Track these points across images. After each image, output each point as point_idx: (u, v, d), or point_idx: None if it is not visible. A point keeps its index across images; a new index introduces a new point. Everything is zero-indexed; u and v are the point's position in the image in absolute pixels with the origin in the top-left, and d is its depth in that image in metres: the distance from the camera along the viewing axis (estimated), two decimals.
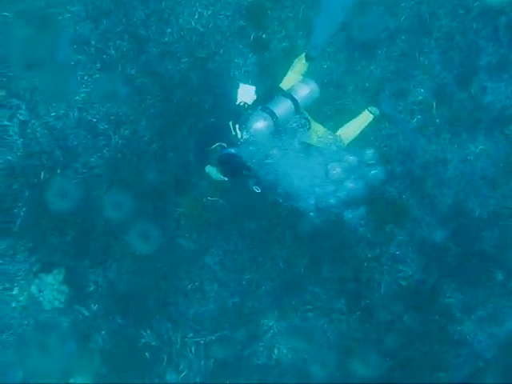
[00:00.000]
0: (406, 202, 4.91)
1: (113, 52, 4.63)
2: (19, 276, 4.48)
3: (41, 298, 4.46)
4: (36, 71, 4.51)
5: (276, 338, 4.83)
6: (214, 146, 3.89)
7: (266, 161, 3.68)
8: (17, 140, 4.48)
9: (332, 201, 3.66)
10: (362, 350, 4.84)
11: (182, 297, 4.74)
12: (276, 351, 4.82)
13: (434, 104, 4.89)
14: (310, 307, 4.83)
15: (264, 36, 4.78)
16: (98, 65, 4.61)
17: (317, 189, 3.65)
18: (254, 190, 3.83)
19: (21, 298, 4.50)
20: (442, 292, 4.97)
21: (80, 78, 4.59)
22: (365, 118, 4.30)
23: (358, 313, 4.86)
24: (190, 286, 4.75)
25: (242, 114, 3.85)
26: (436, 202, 4.94)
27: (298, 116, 3.89)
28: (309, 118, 4.02)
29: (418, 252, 4.93)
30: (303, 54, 4.18)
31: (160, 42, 4.68)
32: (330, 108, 4.82)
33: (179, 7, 4.69)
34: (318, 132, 4.02)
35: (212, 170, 4.04)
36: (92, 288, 4.63)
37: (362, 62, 4.88)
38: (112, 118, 4.63)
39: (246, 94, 3.96)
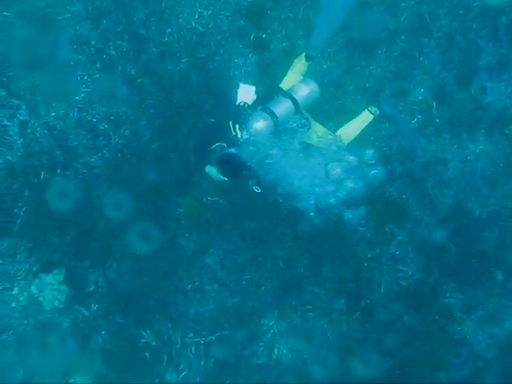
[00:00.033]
0: (406, 202, 4.91)
1: (113, 52, 4.62)
2: (19, 276, 4.48)
3: (41, 298, 4.46)
4: (36, 71, 4.50)
5: (276, 338, 4.83)
6: (213, 146, 3.88)
7: (266, 161, 3.68)
8: (17, 140, 4.47)
9: (332, 201, 3.65)
10: (362, 350, 4.84)
11: (182, 297, 4.74)
12: (276, 351, 4.83)
13: (434, 104, 4.90)
14: (310, 307, 4.84)
15: (264, 36, 4.78)
16: (98, 65, 4.61)
17: (317, 189, 3.64)
18: (254, 190, 3.83)
19: (21, 298, 4.50)
20: (442, 292, 4.97)
21: (80, 77, 4.58)
22: (365, 118, 4.30)
23: (358, 313, 4.86)
24: (190, 286, 4.75)
25: (242, 114, 3.85)
26: (436, 202, 4.95)
27: (297, 116, 3.88)
28: (309, 117, 4.02)
29: (417, 252, 4.93)
30: (303, 54, 4.18)
31: (160, 42, 4.68)
32: (330, 108, 4.82)
33: (179, 7, 4.68)
34: (318, 132, 4.02)
35: (212, 170, 4.04)
36: (92, 288, 4.63)
37: (362, 61, 4.89)
38: (112, 118, 4.63)
39: (246, 93, 3.96)
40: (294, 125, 3.85)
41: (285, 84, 4.12)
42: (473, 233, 4.97)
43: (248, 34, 4.77)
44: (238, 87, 4.00)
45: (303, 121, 3.90)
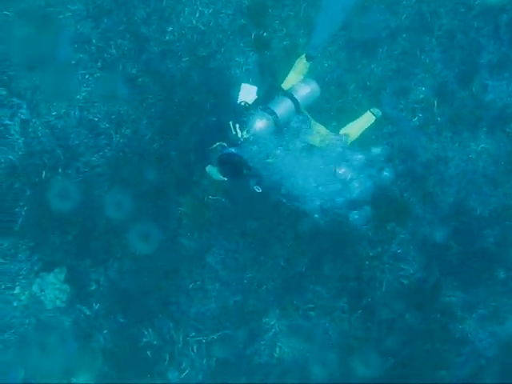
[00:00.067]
0: (407, 201, 4.91)
1: (114, 51, 4.62)
2: (21, 275, 4.47)
3: (42, 297, 4.45)
4: (37, 71, 4.50)
5: (278, 337, 4.83)
6: (214, 146, 3.88)
7: (268, 160, 3.68)
8: (18, 139, 4.47)
9: (338, 201, 3.64)
10: (363, 349, 4.84)
11: (184, 296, 4.74)
12: (278, 350, 4.82)
13: (436, 102, 4.90)
14: (312, 306, 4.83)
15: (265, 34, 4.79)
16: (99, 64, 4.60)
17: (322, 189, 3.63)
18: (254, 190, 3.83)
19: (22, 297, 4.49)
20: (443, 290, 4.97)
21: (81, 76, 4.58)
22: (367, 119, 4.30)
23: (360, 311, 4.86)
24: (191, 285, 4.74)
25: (243, 114, 3.85)
26: (437, 200, 4.94)
27: (298, 116, 3.88)
28: (309, 117, 4.02)
29: (419, 250, 4.93)
30: (303, 55, 4.18)
31: (161, 41, 4.68)
32: (332, 107, 4.82)
33: (180, 6, 4.68)
34: (319, 132, 4.01)
35: (212, 170, 4.04)
36: (93, 287, 4.62)
37: (363, 60, 4.89)
38: (113, 117, 4.62)
39: (248, 93, 3.95)
40: (296, 125, 3.85)
41: (285, 84, 4.12)
42: (474, 231, 4.97)
43: (249, 33, 4.77)
44: (239, 87, 3.99)
45: (304, 120, 3.90)
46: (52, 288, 4.45)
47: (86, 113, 4.58)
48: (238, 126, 3.77)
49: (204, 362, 4.71)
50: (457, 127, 4.93)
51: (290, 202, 3.78)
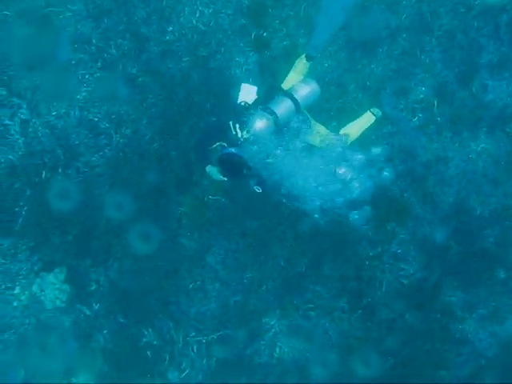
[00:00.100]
0: (407, 201, 4.91)
1: (114, 51, 4.62)
2: (21, 275, 4.47)
3: (42, 297, 4.45)
4: (37, 71, 4.50)
5: (278, 337, 4.82)
6: (214, 146, 3.88)
7: (268, 160, 3.67)
8: (18, 139, 4.46)
9: (337, 202, 3.64)
10: (363, 349, 4.84)
11: (184, 296, 4.74)
12: (278, 350, 4.82)
13: (436, 102, 4.90)
14: (312, 306, 4.83)
15: (265, 34, 4.78)
16: (99, 64, 4.60)
17: (322, 189, 3.63)
18: (255, 190, 3.83)
19: (22, 297, 4.49)
20: (443, 290, 4.97)
21: (81, 76, 4.57)
22: (367, 120, 4.30)
23: (360, 311, 4.86)
24: (191, 285, 4.74)
25: (243, 114, 3.85)
26: (437, 200, 4.94)
27: (298, 116, 3.88)
28: (309, 117, 4.02)
29: (419, 250, 4.93)
30: (303, 55, 4.18)
31: (161, 41, 4.68)
32: (331, 107, 4.82)
33: (180, 5, 4.68)
34: (319, 132, 4.01)
35: (212, 170, 4.04)
36: (93, 287, 4.62)
37: (363, 60, 4.89)
38: (113, 116, 4.62)
39: (248, 93, 3.95)
40: (296, 125, 3.85)
41: (285, 84, 4.12)
42: (474, 231, 4.97)
43: (249, 33, 4.77)
44: (239, 87, 3.99)
45: (304, 120, 3.90)
46: (52, 288, 4.45)
47: (86, 113, 4.58)
48: (237, 125, 3.77)
49: (204, 362, 4.71)
50: (457, 127, 4.93)
51: (290, 201, 3.78)
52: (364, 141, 4.26)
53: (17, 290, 4.49)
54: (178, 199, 4.74)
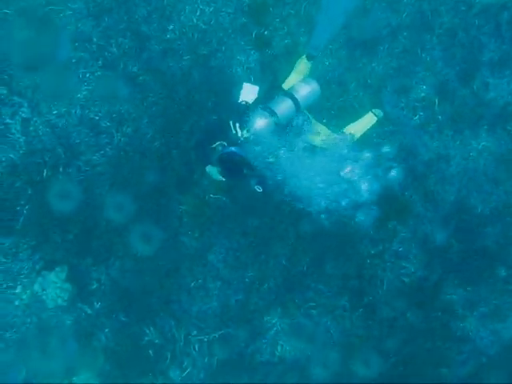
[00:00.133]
0: (408, 199, 4.91)
1: (114, 49, 4.61)
2: (22, 274, 4.47)
3: (44, 296, 4.45)
4: (37, 71, 4.49)
5: (279, 336, 4.83)
6: (214, 145, 3.87)
7: (269, 160, 3.67)
8: (19, 138, 4.46)
9: (343, 203, 3.62)
10: (364, 347, 4.84)
11: (186, 294, 4.74)
12: (279, 348, 4.82)
13: (437, 101, 4.90)
14: (313, 304, 4.84)
15: (266, 33, 4.78)
16: (100, 62, 4.59)
17: (328, 190, 3.61)
18: (255, 190, 3.82)
19: (24, 297, 4.48)
20: (444, 288, 4.98)
21: (82, 75, 4.56)
22: (368, 120, 4.30)
23: (361, 310, 4.87)
24: (193, 284, 4.74)
25: (243, 113, 3.84)
26: (438, 198, 4.95)
27: (299, 116, 3.88)
28: (310, 117, 4.01)
29: (420, 249, 4.93)
30: (304, 55, 4.17)
31: (162, 40, 4.67)
32: (332, 105, 4.81)
33: (181, 4, 4.67)
34: (320, 132, 4.01)
35: (212, 170, 4.04)
36: (95, 286, 4.62)
37: (363, 58, 4.89)
38: (114, 115, 4.61)
39: (249, 93, 3.94)
40: (297, 124, 3.84)
41: (286, 83, 4.12)
42: (475, 229, 4.98)
43: (250, 31, 4.76)
44: (241, 86, 3.98)
45: (304, 120, 3.89)
46: (53, 287, 4.44)
47: (87, 111, 4.57)
48: (238, 125, 3.77)
49: (206, 360, 4.71)
50: (458, 125, 4.93)
51: (294, 202, 3.76)
52: (365, 141, 4.25)
53: (18, 289, 4.49)
54: (178, 198, 4.74)
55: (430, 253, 4.94)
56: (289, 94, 3.86)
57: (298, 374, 4.86)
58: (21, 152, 4.47)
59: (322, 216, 3.73)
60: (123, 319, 4.65)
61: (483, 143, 4.94)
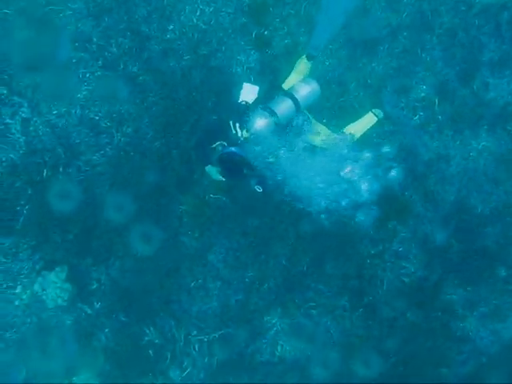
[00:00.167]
0: (408, 199, 4.91)
1: (115, 49, 4.61)
2: (22, 274, 4.46)
3: (44, 296, 4.45)
4: (37, 71, 4.49)
5: (279, 336, 4.83)
6: (214, 145, 3.87)
7: (270, 160, 3.67)
8: (19, 138, 4.46)
9: (344, 203, 3.61)
10: (364, 347, 4.84)
11: (186, 294, 4.74)
12: (279, 348, 4.82)
13: (437, 101, 4.90)
14: (313, 304, 4.83)
15: (266, 33, 4.78)
16: (100, 62, 4.59)
17: (328, 190, 3.60)
18: (255, 190, 3.82)
19: (24, 297, 4.48)
20: (444, 288, 4.97)
21: (82, 75, 4.56)
22: (369, 121, 4.30)
23: (361, 310, 4.87)
24: (193, 284, 4.74)
25: (243, 113, 3.84)
26: (438, 198, 4.95)
27: (299, 116, 3.88)
28: (310, 117, 4.01)
29: (420, 249, 4.93)
30: (304, 56, 4.17)
31: (162, 40, 4.67)
32: (333, 105, 4.81)
33: (181, 4, 4.68)
34: (320, 132, 4.01)
35: (212, 170, 4.03)
36: (95, 286, 4.62)
37: (363, 58, 4.89)
38: (114, 115, 4.61)
39: (249, 93, 3.94)
40: (297, 124, 3.84)
41: (286, 84, 4.12)
42: (475, 229, 4.97)
43: (250, 31, 4.77)
44: (241, 86, 3.98)
45: (304, 120, 3.89)
46: (53, 287, 4.44)
47: (87, 111, 4.57)
48: (237, 125, 3.77)
49: (206, 360, 4.71)
50: (458, 125, 4.93)
51: (294, 202, 3.76)
52: (365, 141, 4.25)
53: (18, 289, 4.48)
54: (179, 198, 4.74)
55: (430, 253, 4.94)
56: (289, 94, 3.86)
57: (298, 374, 4.86)
58: (21, 152, 4.47)
59: (322, 216, 3.73)
60: (123, 319, 4.64)
61: (483, 143, 4.94)
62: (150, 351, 4.65)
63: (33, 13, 4.53)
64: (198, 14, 4.70)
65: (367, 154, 3.69)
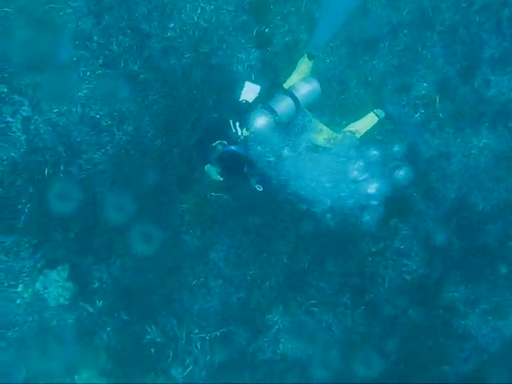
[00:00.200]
0: (410, 197, 4.91)
1: (115, 48, 4.61)
2: (24, 273, 4.46)
3: (45, 295, 4.45)
4: (38, 70, 4.48)
5: (281, 334, 4.83)
6: (214, 144, 3.86)
7: (271, 159, 3.65)
8: (20, 136, 4.46)
9: (350, 203, 3.59)
10: (366, 345, 4.84)
11: (187, 293, 4.74)
12: (281, 346, 4.82)
13: (437, 98, 4.89)
14: (315, 302, 4.83)
15: (267, 31, 4.78)
16: (101, 60, 4.59)
17: (334, 190, 3.57)
18: (256, 189, 3.81)
19: (25, 295, 4.48)
20: (445, 286, 4.97)
21: (82, 74, 4.56)
22: (370, 121, 4.29)
23: (363, 307, 4.87)
24: (194, 282, 4.74)
25: (244, 112, 3.83)
26: (439, 196, 4.94)
27: (298, 115, 3.87)
28: (310, 116, 4.01)
29: (422, 246, 4.93)
30: (305, 55, 4.17)
31: (162, 38, 4.67)
32: (334, 103, 4.81)
33: (181, 2, 4.67)
34: (321, 131, 4.00)
35: (211, 170, 4.03)
36: (96, 284, 4.62)
37: (364, 56, 4.88)
38: (115, 114, 4.61)
39: (251, 92, 3.94)
40: (298, 123, 3.83)
41: (287, 83, 4.11)
42: (476, 226, 4.97)
43: (251, 29, 4.76)
44: (242, 84, 3.97)
45: (304, 119, 3.89)
46: (55, 285, 4.44)
47: (87, 110, 4.57)
48: (238, 124, 3.76)
49: (207, 358, 4.71)
50: (459, 123, 4.92)
51: (299, 202, 3.74)
52: (367, 141, 4.24)
53: (20, 288, 4.48)
54: (180, 196, 4.74)
55: (432, 250, 4.94)
56: (289, 93, 3.85)
57: (299, 372, 4.86)
58: (22, 150, 4.47)
59: (328, 216, 3.71)
60: (125, 318, 4.64)
61: (484, 141, 4.93)
62: (152, 350, 4.65)
63: (33, 11, 4.52)
64: (198, 11, 4.69)
65: (374, 152, 3.66)
